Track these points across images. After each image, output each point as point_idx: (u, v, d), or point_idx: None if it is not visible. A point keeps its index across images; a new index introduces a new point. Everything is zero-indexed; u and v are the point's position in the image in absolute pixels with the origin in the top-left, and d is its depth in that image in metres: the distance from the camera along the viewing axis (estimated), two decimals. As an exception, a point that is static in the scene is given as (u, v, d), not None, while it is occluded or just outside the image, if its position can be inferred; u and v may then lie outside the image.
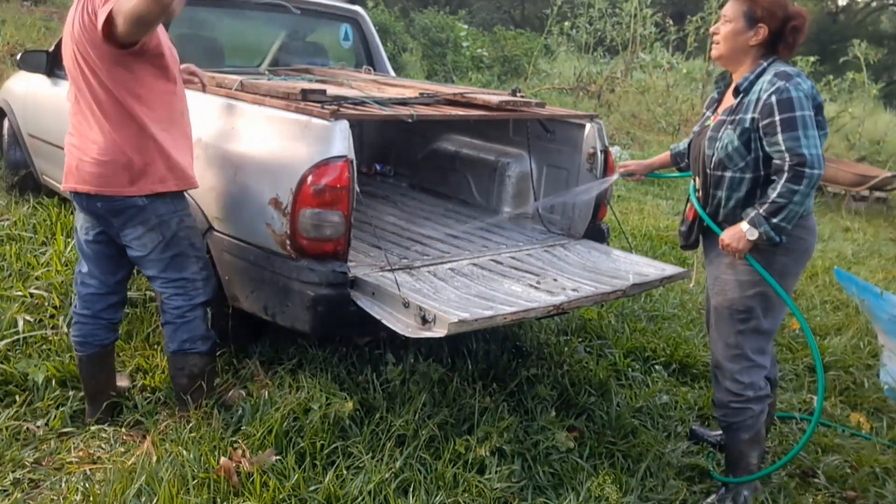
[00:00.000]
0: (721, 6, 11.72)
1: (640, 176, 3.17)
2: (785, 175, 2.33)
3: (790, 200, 2.33)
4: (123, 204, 2.53)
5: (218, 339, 2.84)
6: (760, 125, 2.39)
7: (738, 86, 2.48)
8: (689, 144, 2.72)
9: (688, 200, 2.76)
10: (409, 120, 2.85)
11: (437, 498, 2.44)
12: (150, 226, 2.57)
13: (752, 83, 2.46)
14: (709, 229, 2.62)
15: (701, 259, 2.90)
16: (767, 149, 2.40)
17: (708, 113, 2.70)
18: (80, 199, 2.58)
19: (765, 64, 2.48)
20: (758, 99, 2.40)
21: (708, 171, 2.54)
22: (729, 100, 2.58)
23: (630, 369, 3.62)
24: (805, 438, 2.66)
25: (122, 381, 2.94)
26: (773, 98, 2.35)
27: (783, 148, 2.33)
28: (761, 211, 2.38)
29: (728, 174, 2.49)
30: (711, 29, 2.59)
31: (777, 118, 2.34)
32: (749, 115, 2.42)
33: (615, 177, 3.21)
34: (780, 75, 2.39)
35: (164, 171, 2.55)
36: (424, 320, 2.37)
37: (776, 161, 2.37)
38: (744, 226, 2.42)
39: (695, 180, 2.68)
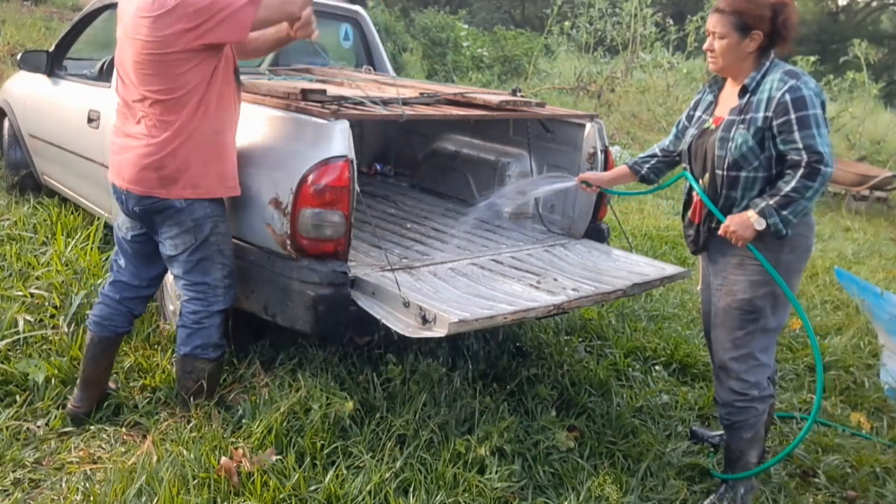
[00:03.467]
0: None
1: (596, 189, 3.15)
2: (801, 170, 2.35)
3: (803, 196, 2.35)
4: (163, 204, 2.57)
5: (226, 346, 2.83)
6: (775, 123, 2.39)
7: (746, 86, 2.48)
8: (689, 148, 2.69)
9: (687, 206, 2.74)
10: (401, 119, 2.85)
11: (438, 498, 2.44)
12: (184, 227, 2.60)
13: (759, 82, 2.46)
14: (714, 232, 2.61)
15: (701, 260, 2.89)
16: (781, 147, 2.40)
17: (704, 116, 2.66)
18: (119, 196, 2.64)
19: (767, 63, 2.48)
20: (769, 97, 2.40)
21: (720, 171, 2.52)
22: (729, 100, 2.57)
23: (630, 369, 3.62)
24: (803, 432, 2.65)
25: (112, 384, 2.94)
26: (788, 96, 2.36)
27: (801, 146, 2.35)
28: (772, 203, 2.38)
29: (743, 174, 2.48)
30: (705, 46, 2.55)
31: (793, 116, 2.35)
32: (761, 114, 2.41)
33: (572, 183, 3.16)
34: (790, 73, 2.41)
35: (195, 179, 2.57)
36: (425, 320, 2.37)
37: (793, 157, 2.37)
38: (751, 215, 2.42)
39: (698, 182, 2.66)
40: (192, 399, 2.73)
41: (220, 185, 2.65)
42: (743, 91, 2.49)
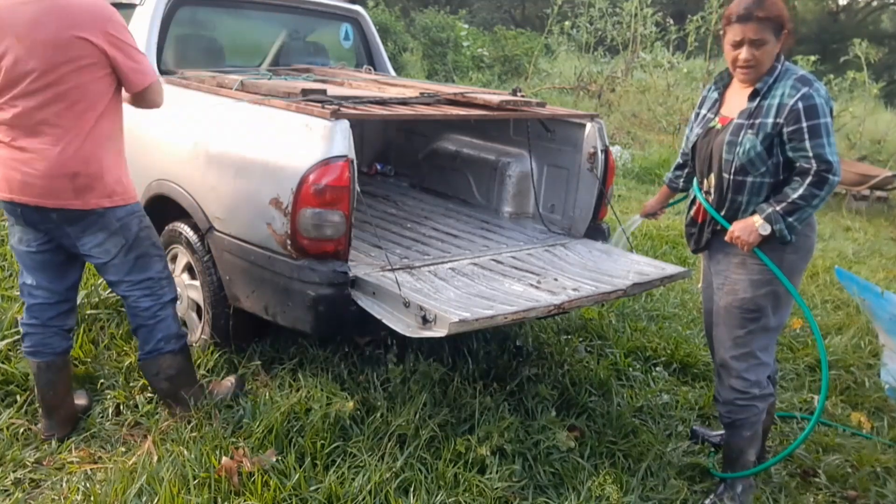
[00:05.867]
0: (722, 5, 11.71)
1: (662, 213, 3.14)
2: (809, 178, 2.36)
3: (809, 203, 2.37)
4: (81, 213, 2.47)
5: (186, 334, 2.84)
6: (785, 130, 2.38)
7: (758, 90, 2.45)
8: (694, 147, 2.68)
9: (692, 203, 2.74)
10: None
11: (438, 497, 2.44)
12: (111, 230, 2.53)
13: (771, 87, 2.44)
14: (718, 230, 2.61)
15: (702, 259, 2.89)
16: (790, 154, 2.40)
17: (709, 115, 2.64)
18: (26, 211, 2.46)
19: (779, 67, 2.46)
20: (780, 104, 2.39)
21: (726, 175, 2.50)
22: (736, 100, 2.55)
23: (631, 369, 3.62)
24: (806, 432, 2.65)
25: (81, 400, 2.84)
26: (800, 104, 2.35)
27: (811, 154, 2.35)
28: (778, 209, 2.39)
29: (749, 179, 2.47)
30: (744, 57, 2.42)
31: (804, 125, 2.34)
32: (771, 120, 2.40)
33: (639, 220, 3.20)
34: (802, 80, 2.39)
35: (111, 186, 2.50)
36: (425, 320, 2.37)
37: (802, 165, 2.38)
38: (756, 220, 2.42)
39: (702, 182, 2.65)
40: (184, 399, 2.74)
41: (122, 192, 2.55)
42: (754, 94, 2.46)
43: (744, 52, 2.43)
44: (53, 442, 2.64)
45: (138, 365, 2.77)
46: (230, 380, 2.94)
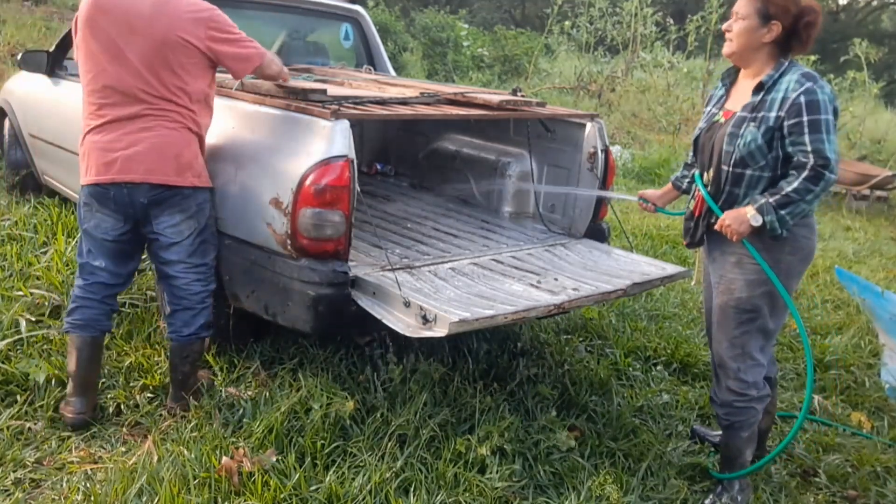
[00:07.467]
0: (722, 5, 11.72)
1: (653, 206, 3.02)
2: (805, 173, 2.35)
3: (803, 198, 2.36)
4: (171, 192, 2.64)
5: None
6: (786, 124, 2.38)
7: (763, 83, 2.46)
8: (696, 140, 2.68)
9: (691, 198, 2.74)
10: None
11: (438, 497, 2.44)
12: (189, 213, 2.69)
13: (776, 81, 2.45)
14: (713, 223, 2.60)
15: (702, 257, 2.89)
16: (789, 148, 2.40)
17: (714, 110, 2.65)
18: (119, 193, 2.61)
19: (786, 63, 2.47)
20: (784, 98, 2.39)
21: (725, 167, 2.51)
22: (741, 95, 2.55)
23: (631, 368, 3.62)
24: (794, 430, 2.64)
25: None
26: (802, 98, 2.35)
27: (809, 149, 2.35)
28: (771, 200, 2.38)
29: (748, 172, 2.47)
30: (724, 26, 2.55)
31: (805, 118, 2.35)
32: (773, 114, 2.40)
33: (631, 199, 3.14)
34: (807, 76, 2.40)
35: (201, 168, 2.74)
36: (425, 320, 2.37)
37: (800, 159, 2.38)
38: (749, 210, 2.42)
39: (703, 175, 2.64)
40: (189, 393, 2.80)
41: (207, 175, 2.78)
42: (758, 88, 2.47)
43: (727, 23, 2.54)
44: (53, 441, 2.64)
45: (170, 346, 2.81)
46: (206, 371, 3.05)
